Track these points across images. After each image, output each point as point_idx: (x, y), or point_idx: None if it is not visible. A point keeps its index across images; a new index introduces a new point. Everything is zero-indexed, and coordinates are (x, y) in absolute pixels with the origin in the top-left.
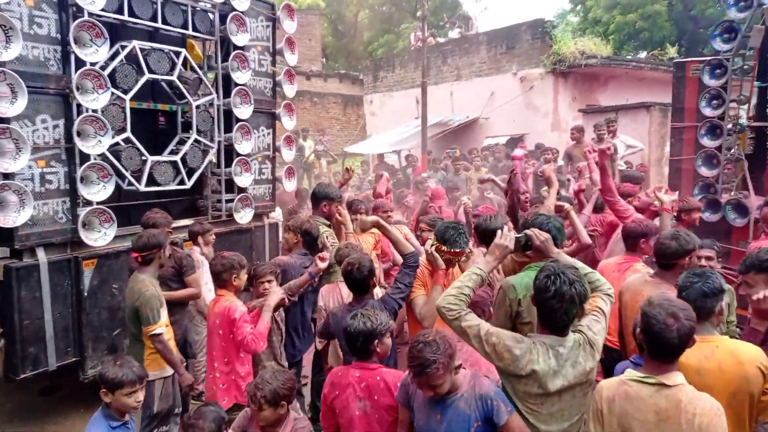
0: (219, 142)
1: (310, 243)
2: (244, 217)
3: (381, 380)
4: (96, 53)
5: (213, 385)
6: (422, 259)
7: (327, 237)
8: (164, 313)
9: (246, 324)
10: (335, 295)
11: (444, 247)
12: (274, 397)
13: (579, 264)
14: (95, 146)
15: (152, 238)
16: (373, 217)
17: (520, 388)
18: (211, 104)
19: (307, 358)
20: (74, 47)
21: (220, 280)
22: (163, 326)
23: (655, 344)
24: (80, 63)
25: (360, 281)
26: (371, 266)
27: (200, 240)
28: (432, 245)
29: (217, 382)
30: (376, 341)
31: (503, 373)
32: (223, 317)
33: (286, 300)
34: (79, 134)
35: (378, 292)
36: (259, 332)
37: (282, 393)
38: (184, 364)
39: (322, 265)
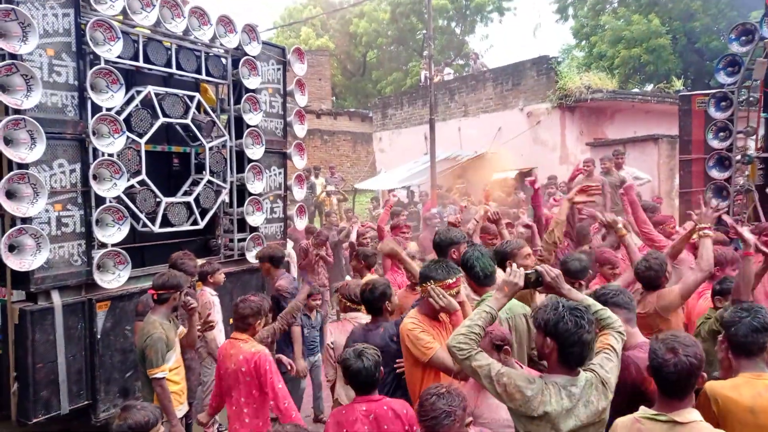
0: (231, 182)
1: (278, 262)
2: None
3: (389, 409)
4: (112, 99)
5: (240, 426)
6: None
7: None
8: (173, 356)
9: (280, 384)
10: (345, 332)
11: (448, 280)
12: None
13: (590, 300)
14: (111, 189)
15: (173, 278)
16: (394, 247)
17: (533, 429)
18: (224, 145)
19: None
20: (91, 93)
21: (244, 323)
22: (165, 370)
23: (657, 379)
24: (96, 108)
25: (371, 301)
26: (384, 289)
27: (210, 280)
28: (431, 288)
29: (246, 427)
30: (381, 367)
31: (515, 413)
32: (249, 365)
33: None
34: (95, 178)
35: None
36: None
37: None
38: (186, 411)
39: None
